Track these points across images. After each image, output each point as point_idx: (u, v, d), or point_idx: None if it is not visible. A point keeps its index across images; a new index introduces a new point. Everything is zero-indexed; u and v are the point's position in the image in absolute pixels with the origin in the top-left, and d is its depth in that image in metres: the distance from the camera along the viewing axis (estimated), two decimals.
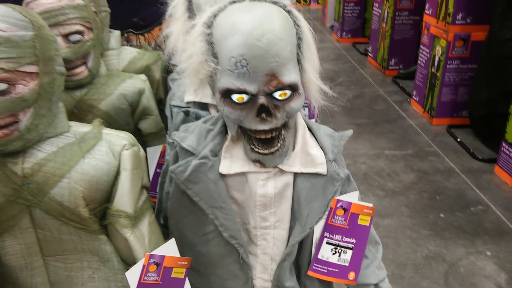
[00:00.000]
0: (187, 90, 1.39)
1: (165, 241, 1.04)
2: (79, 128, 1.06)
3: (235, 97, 0.87)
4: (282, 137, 0.95)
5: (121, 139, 1.05)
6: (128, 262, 1.08)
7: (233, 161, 1.00)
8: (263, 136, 0.92)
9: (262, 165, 0.97)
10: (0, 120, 0.90)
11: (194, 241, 1.07)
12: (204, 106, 1.38)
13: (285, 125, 0.95)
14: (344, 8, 6.51)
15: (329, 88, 1.03)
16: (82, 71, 1.38)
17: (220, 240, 1.04)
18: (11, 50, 0.89)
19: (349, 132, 1.09)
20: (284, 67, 0.86)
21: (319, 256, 1.05)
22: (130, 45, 2.04)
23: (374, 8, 5.55)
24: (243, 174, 1.01)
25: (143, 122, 1.58)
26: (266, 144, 0.94)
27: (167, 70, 1.80)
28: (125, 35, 2.03)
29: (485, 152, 3.40)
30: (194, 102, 1.38)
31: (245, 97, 0.87)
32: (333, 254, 1.06)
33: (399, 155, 3.42)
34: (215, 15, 0.91)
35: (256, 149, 0.94)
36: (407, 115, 4.12)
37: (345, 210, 1.05)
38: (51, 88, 0.97)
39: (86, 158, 1.00)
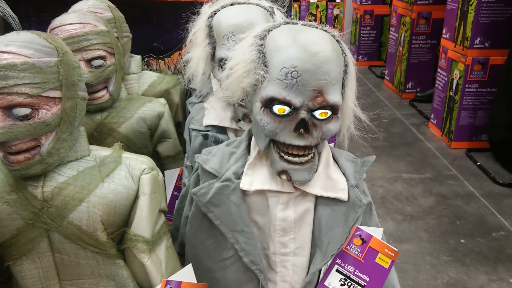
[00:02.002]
0: (207, 114, 1.40)
1: (182, 267, 1.04)
2: (100, 152, 1.07)
3: (277, 108, 0.89)
4: (313, 151, 0.95)
5: (140, 163, 1.05)
6: (144, 287, 1.07)
7: (255, 178, 1.00)
8: (295, 152, 0.93)
9: (288, 177, 0.95)
10: (23, 144, 0.92)
11: (211, 267, 1.06)
12: (223, 130, 1.39)
13: (317, 145, 0.95)
14: (360, 32, 6.54)
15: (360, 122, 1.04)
16: (103, 95, 1.40)
17: (239, 266, 1.02)
18: (35, 76, 0.91)
19: (372, 158, 1.08)
20: (332, 86, 0.88)
21: (326, 283, 1.01)
22: (150, 70, 2.07)
23: (391, 32, 5.56)
24: (263, 195, 1.01)
25: (162, 145, 1.59)
26: (296, 154, 0.94)
27: (186, 94, 1.82)
28: (146, 59, 2.06)
29: (506, 177, 3.33)
30: (213, 126, 1.39)
31: (286, 110, 0.88)
32: (341, 285, 1.00)
33: (417, 178, 3.37)
34: (269, 30, 0.94)
35: (285, 157, 0.94)
36: (425, 138, 4.08)
37: (363, 241, 1.02)
38: (73, 112, 0.98)
39: (105, 182, 1.00)
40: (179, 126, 1.76)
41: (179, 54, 2.09)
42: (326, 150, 1.03)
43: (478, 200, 3.08)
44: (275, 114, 0.89)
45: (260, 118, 0.91)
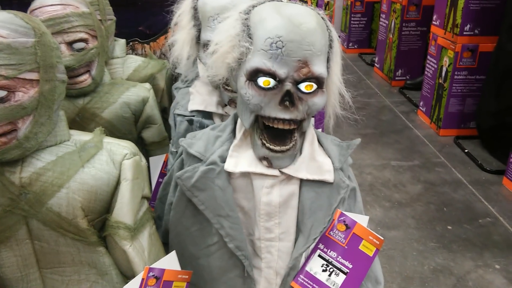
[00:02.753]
0: (192, 99, 1.37)
1: (166, 255, 1.02)
2: (80, 136, 1.04)
3: (261, 80, 0.87)
4: (295, 138, 0.94)
5: (122, 148, 1.02)
6: (127, 275, 1.05)
7: (240, 160, 0.98)
8: (280, 126, 0.91)
9: (269, 164, 0.95)
10: None
11: (196, 254, 1.04)
12: (208, 115, 1.37)
13: (300, 125, 0.94)
14: (351, 19, 6.50)
15: (344, 101, 1.03)
16: (85, 79, 1.37)
17: (224, 252, 1.01)
18: (11, 57, 0.87)
19: (357, 141, 1.07)
20: (317, 57, 0.87)
21: (307, 269, 0.99)
22: (136, 54, 2.03)
23: (381, 19, 5.54)
24: (248, 178, 0.99)
25: (146, 131, 1.56)
26: (278, 140, 0.93)
27: (172, 79, 1.79)
28: (131, 43, 2.02)
29: (493, 164, 3.35)
30: (199, 111, 1.36)
31: (271, 82, 0.87)
32: (323, 271, 0.98)
33: (405, 166, 3.38)
34: (254, 6, 0.94)
35: (267, 145, 0.93)
36: (414, 125, 4.08)
37: (347, 227, 1.00)
38: (51, 95, 0.95)
39: (85, 168, 0.98)
40: (165, 111, 1.73)
41: (165, 38, 2.04)
42: (311, 133, 1.02)
43: (465, 187, 3.10)
44: (259, 87, 0.88)
45: (244, 92, 0.90)
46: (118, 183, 1.00)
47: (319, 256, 0.99)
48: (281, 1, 0.94)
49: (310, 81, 0.88)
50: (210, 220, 0.99)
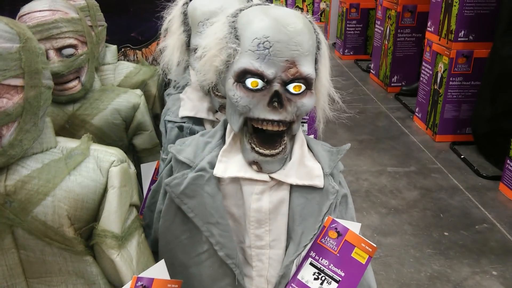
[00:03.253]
0: (183, 105, 1.36)
1: (155, 263, 0.99)
2: (67, 143, 1.02)
3: (249, 82, 0.87)
4: (284, 141, 0.93)
5: (109, 155, 1.00)
6: (115, 284, 1.03)
7: (229, 165, 0.97)
8: (269, 128, 0.90)
9: (259, 168, 0.93)
10: None
11: (186, 263, 1.02)
12: (199, 121, 1.35)
13: (289, 127, 0.92)
14: (346, 26, 6.53)
15: (334, 103, 1.02)
16: (75, 86, 1.35)
17: (214, 260, 0.99)
18: None
19: (347, 146, 1.05)
20: (305, 58, 0.86)
21: (299, 277, 0.96)
22: (128, 60, 2.02)
23: (376, 25, 5.55)
24: (238, 183, 0.97)
25: (137, 137, 1.54)
26: (267, 144, 0.92)
27: (165, 85, 1.77)
28: (123, 49, 2.01)
29: (490, 169, 3.34)
30: (189, 117, 1.34)
31: (259, 83, 0.86)
32: (315, 279, 0.96)
33: (402, 172, 3.37)
34: (241, 9, 0.94)
35: (256, 149, 0.92)
36: (410, 131, 4.08)
37: (339, 234, 0.98)
38: (37, 102, 0.93)
39: (72, 175, 0.96)
40: (157, 118, 1.71)
41: (157, 44, 2.03)
42: (300, 138, 1.01)
43: (462, 193, 3.08)
44: (248, 88, 0.87)
45: (232, 94, 0.89)
46: (105, 191, 0.98)
47: (311, 264, 0.97)
48: (268, 4, 0.94)
49: (298, 82, 0.87)
50: (199, 227, 0.97)
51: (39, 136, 0.96)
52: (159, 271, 0.95)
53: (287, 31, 0.84)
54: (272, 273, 1.00)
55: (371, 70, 5.70)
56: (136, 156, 1.58)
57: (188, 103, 1.35)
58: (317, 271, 0.96)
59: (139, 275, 0.91)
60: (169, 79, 1.67)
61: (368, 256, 0.97)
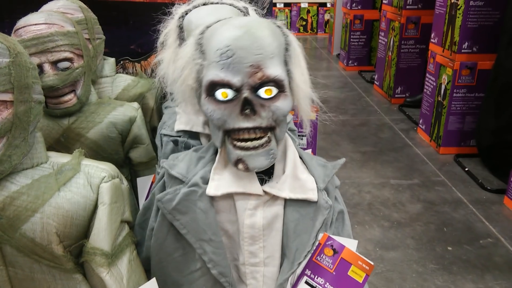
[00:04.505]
0: (178, 118, 1.34)
1: (147, 281, 0.97)
2: (58, 159, 1.00)
3: (219, 93, 0.86)
4: (268, 135, 0.90)
5: (100, 170, 0.99)
6: None
7: (221, 182, 0.95)
8: (246, 136, 0.88)
9: (245, 166, 0.89)
10: None
11: (179, 281, 1.00)
12: (195, 136, 1.33)
13: (272, 130, 0.90)
14: (350, 37, 6.53)
15: (330, 112, 1.00)
16: (70, 99, 1.34)
17: (208, 278, 0.97)
18: None
19: (341, 160, 1.03)
20: (270, 60, 0.85)
21: None
22: (126, 73, 2.02)
23: (380, 37, 5.54)
24: (231, 198, 0.95)
25: (134, 151, 1.53)
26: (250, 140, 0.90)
27: (162, 98, 1.76)
28: (121, 62, 2.00)
29: (494, 183, 3.29)
30: (185, 131, 1.33)
31: (229, 93, 0.85)
32: None
33: (405, 184, 3.33)
34: (208, 26, 0.93)
35: (238, 144, 0.89)
36: (414, 143, 4.04)
37: (335, 251, 0.96)
38: (27, 117, 0.92)
39: (61, 191, 0.94)
40: (155, 131, 1.70)
41: (156, 56, 2.03)
42: (292, 151, 0.99)
43: (466, 206, 3.04)
44: (218, 100, 0.86)
45: (206, 108, 0.88)
46: (95, 207, 0.97)
47: (306, 282, 0.95)
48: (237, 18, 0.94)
49: (268, 85, 0.86)
50: (192, 244, 0.95)
51: (29, 151, 0.95)
52: None
53: (248, 36, 0.84)
54: None
55: (375, 82, 5.69)
56: (133, 169, 1.57)
57: (184, 117, 1.33)
58: None
59: None
60: (166, 92, 1.66)
61: (365, 274, 0.95)
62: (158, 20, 1.42)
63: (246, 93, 0.85)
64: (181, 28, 1.28)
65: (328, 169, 1.00)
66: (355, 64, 6.64)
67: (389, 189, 3.27)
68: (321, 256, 0.94)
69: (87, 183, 0.97)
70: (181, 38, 1.27)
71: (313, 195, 0.95)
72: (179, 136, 1.32)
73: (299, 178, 0.96)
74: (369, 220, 2.87)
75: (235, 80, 0.84)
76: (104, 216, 0.96)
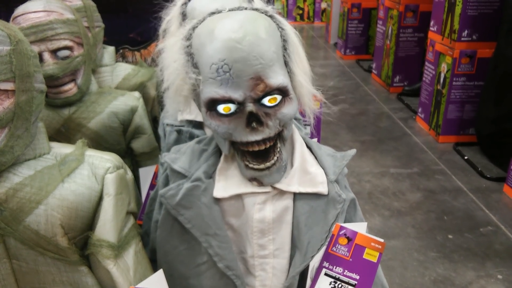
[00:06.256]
0: (181, 108, 1.32)
1: (154, 273, 0.96)
2: (61, 149, 0.98)
3: (221, 108, 0.81)
4: (278, 149, 0.88)
5: (105, 161, 0.97)
6: None
7: (228, 183, 0.93)
8: (256, 149, 0.85)
9: (260, 183, 0.89)
10: None
11: (186, 274, 0.98)
12: (198, 125, 1.31)
13: (280, 136, 0.88)
14: (348, 26, 6.48)
15: (327, 101, 0.98)
16: (70, 88, 1.32)
17: (215, 271, 0.95)
18: None
19: (352, 151, 1.01)
20: (270, 68, 0.80)
21: None
22: (126, 62, 1.99)
23: (378, 25, 5.51)
24: (239, 197, 0.94)
25: (136, 141, 1.50)
26: (261, 158, 0.87)
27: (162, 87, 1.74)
28: (121, 51, 1.97)
29: (494, 171, 3.30)
30: (189, 121, 1.30)
31: (232, 107, 0.81)
32: None
33: (404, 173, 3.32)
34: (194, 28, 0.86)
35: (250, 165, 0.87)
36: (413, 132, 4.04)
37: (349, 239, 0.96)
38: (28, 107, 0.89)
39: (65, 183, 0.92)
40: (156, 121, 1.68)
41: (156, 45, 2.00)
42: (299, 143, 0.96)
43: (466, 195, 3.04)
44: (221, 114, 0.82)
45: (209, 123, 0.84)
46: (100, 198, 0.95)
47: (326, 274, 0.95)
48: (221, 11, 0.87)
49: (271, 94, 0.81)
50: (198, 238, 0.94)
51: (31, 142, 0.93)
52: (157, 281, 0.92)
53: (243, 46, 0.77)
54: (276, 283, 0.96)
55: (373, 70, 5.66)
56: (135, 160, 1.54)
57: (177, 106, 1.31)
58: (333, 280, 0.93)
59: (136, 286, 0.87)
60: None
61: (378, 253, 0.95)
62: (158, 8, 1.39)
63: (250, 107, 0.80)
64: (184, 15, 1.25)
65: (338, 160, 0.98)
66: (353, 53, 6.60)
67: (389, 178, 3.26)
68: (336, 246, 0.94)
69: (92, 174, 0.95)
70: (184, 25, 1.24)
71: (323, 189, 0.93)
72: (183, 126, 1.30)
73: (308, 171, 0.94)
74: (370, 209, 2.87)
75: (237, 95, 0.79)
76: (110, 208, 0.95)
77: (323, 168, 0.96)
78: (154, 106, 1.70)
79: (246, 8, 0.86)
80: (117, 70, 1.65)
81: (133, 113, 1.45)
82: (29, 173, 0.91)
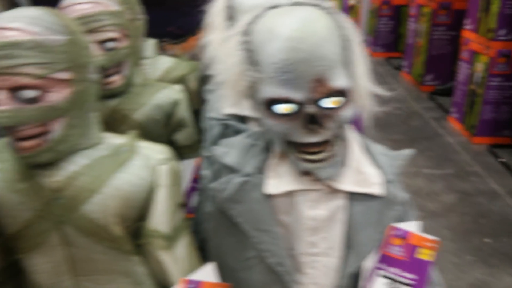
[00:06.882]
0: (226, 101, 1.31)
1: (202, 264, 0.96)
2: (113, 140, 0.98)
3: (280, 108, 0.80)
4: (333, 144, 0.86)
5: (158, 153, 0.97)
6: (162, 286, 0.99)
7: (280, 179, 0.91)
8: (311, 150, 0.83)
9: (314, 178, 0.87)
10: (30, 130, 0.84)
11: (236, 267, 0.98)
12: (242, 119, 1.30)
13: (335, 136, 0.86)
14: (378, 22, 6.40)
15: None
16: (116, 80, 1.32)
17: (264, 267, 0.94)
18: (43, 55, 0.82)
19: (407, 151, 0.99)
20: (332, 70, 0.78)
21: None
22: (166, 55, 1.99)
23: (409, 22, 5.42)
24: (290, 193, 0.92)
25: (178, 134, 1.50)
26: (316, 148, 0.84)
27: (203, 80, 1.73)
28: (161, 44, 1.98)
29: None
30: (233, 115, 1.29)
31: (291, 107, 0.79)
32: None
33: (438, 174, 3.26)
34: (252, 22, 0.84)
35: (306, 157, 0.84)
36: (445, 132, 3.95)
37: (403, 239, 0.94)
38: (84, 96, 0.90)
39: (120, 173, 0.92)
40: (196, 114, 1.67)
41: (196, 38, 1.99)
42: (354, 142, 0.94)
43: (502, 198, 2.96)
44: (279, 114, 0.80)
45: (265, 122, 0.83)
46: (153, 189, 0.95)
47: (383, 276, 0.93)
48: (283, 5, 0.84)
49: (332, 97, 0.79)
50: (247, 233, 0.93)
51: (86, 131, 0.93)
52: (208, 273, 0.92)
53: (307, 46, 0.75)
54: (327, 281, 0.95)
55: (403, 68, 5.57)
56: (176, 152, 1.54)
57: (231, 99, 1.29)
58: (389, 281, 0.92)
59: (188, 277, 0.87)
60: (208, 75, 1.63)
61: (433, 252, 0.95)
62: (197, 1, 1.39)
63: (309, 108, 0.79)
64: (231, 8, 1.23)
65: (393, 159, 0.96)
66: (383, 50, 6.51)
67: (422, 178, 3.20)
68: (391, 247, 0.92)
69: (145, 165, 0.95)
70: (231, 18, 1.23)
71: (377, 190, 0.91)
72: (228, 120, 1.29)
73: (363, 171, 0.92)
74: None
75: (297, 96, 0.78)
76: (164, 199, 0.95)
77: (379, 168, 0.93)
78: (194, 99, 1.69)
79: (306, 4, 0.83)
80: (158, 62, 1.65)
81: (176, 106, 1.45)
82: (85, 162, 0.92)
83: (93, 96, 0.94)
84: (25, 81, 0.80)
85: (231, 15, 1.24)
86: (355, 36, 0.84)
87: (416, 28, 5.15)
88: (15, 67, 0.80)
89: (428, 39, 4.89)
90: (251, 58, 0.81)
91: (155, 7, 1.95)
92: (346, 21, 0.83)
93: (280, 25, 0.78)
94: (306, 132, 0.81)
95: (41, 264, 0.93)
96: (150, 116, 1.39)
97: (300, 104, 0.79)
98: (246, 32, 0.84)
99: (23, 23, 0.82)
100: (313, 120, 0.79)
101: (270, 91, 0.79)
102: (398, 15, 6.35)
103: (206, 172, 1.29)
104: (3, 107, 0.80)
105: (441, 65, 4.96)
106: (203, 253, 1.08)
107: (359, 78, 0.84)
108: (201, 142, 1.56)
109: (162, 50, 1.95)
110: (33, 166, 0.89)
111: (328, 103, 0.79)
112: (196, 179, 1.44)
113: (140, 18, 1.60)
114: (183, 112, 1.47)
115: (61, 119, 0.86)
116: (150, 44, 1.67)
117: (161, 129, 1.43)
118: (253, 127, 1.28)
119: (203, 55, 1.38)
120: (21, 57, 0.80)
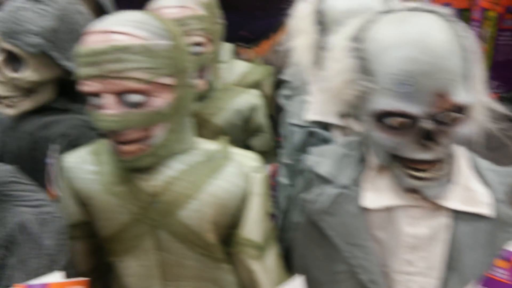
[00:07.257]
0: (308, 107, 1.28)
1: (287, 275, 0.94)
2: (206, 145, 0.98)
3: (393, 121, 0.76)
4: (444, 161, 0.82)
5: (251, 160, 0.96)
6: None
7: (379, 193, 0.87)
8: (420, 167, 0.79)
9: (420, 195, 0.83)
10: (132, 134, 0.85)
11: (322, 279, 0.95)
12: (326, 126, 1.27)
13: (447, 153, 0.82)
14: None
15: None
16: (199, 84, 1.33)
17: (354, 282, 0.91)
18: (150, 60, 0.83)
19: None
20: (454, 84, 0.73)
21: None
22: (239, 59, 2.00)
23: (472, 27, 5.21)
24: (388, 209, 0.88)
25: (255, 139, 1.49)
26: (425, 165, 0.80)
27: (277, 85, 1.72)
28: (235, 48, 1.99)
29: None
30: (316, 122, 1.26)
31: (405, 121, 0.75)
32: None
33: None
34: (365, 28, 0.80)
35: (414, 174, 0.80)
36: None
37: (507, 261, 0.88)
38: (185, 101, 0.91)
39: (215, 179, 0.92)
40: (271, 119, 1.66)
41: (269, 43, 1.99)
42: (463, 156, 0.89)
43: None
44: (390, 127, 0.76)
45: (374, 134, 0.79)
46: (246, 197, 0.94)
47: None
48: (397, 10, 0.80)
49: (451, 112, 0.74)
50: (338, 247, 0.90)
51: (183, 136, 0.93)
52: (297, 286, 0.90)
53: (431, 58, 0.72)
54: None
55: None
56: None
57: (315, 106, 1.27)
58: None
59: None
60: (283, 80, 1.62)
61: None
62: (271, 5, 1.37)
63: (426, 123, 0.75)
64: (320, 12, 1.21)
65: (503, 176, 0.90)
66: None
67: None
68: (495, 269, 0.87)
69: (239, 172, 0.94)
70: (322, 23, 1.20)
71: (486, 210, 0.85)
72: (310, 127, 1.26)
73: (471, 189, 0.86)
74: None
75: (414, 109, 0.74)
76: (257, 207, 0.94)
77: (487, 186, 0.88)
78: (269, 104, 1.68)
79: (423, 10, 0.79)
80: (234, 67, 1.66)
81: (254, 111, 1.44)
82: (182, 167, 0.92)
83: (191, 101, 0.94)
84: (133, 85, 0.81)
85: (320, 20, 1.21)
86: (475, 47, 0.79)
87: (480, 33, 4.95)
88: (124, 71, 0.81)
89: (493, 45, 4.68)
90: (364, 67, 0.78)
91: (228, 11, 1.95)
92: (466, 30, 0.79)
93: (399, 33, 0.75)
94: (418, 148, 0.77)
95: (133, 267, 0.95)
96: (229, 121, 1.39)
97: (415, 118, 0.75)
98: (358, 39, 0.80)
99: (131, 27, 0.83)
100: (428, 136, 0.75)
101: (384, 103, 0.75)
102: (458, 19, 6.12)
103: (283, 180, 1.28)
104: (111, 111, 0.81)
105: (508, 72, 4.73)
106: (286, 262, 1.06)
107: (479, 93, 0.80)
108: (277, 148, 1.55)
109: (236, 54, 1.96)
110: (132, 170, 0.90)
111: (446, 118, 0.75)
112: (273, 186, 1.42)
113: (220, 22, 1.61)
114: (261, 117, 1.47)
115: (163, 123, 0.87)
116: (227, 48, 1.67)
117: (239, 134, 1.43)
118: (337, 135, 1.26)
119: (277, 59, 1.37)
120: (130, 61, 0.81)
